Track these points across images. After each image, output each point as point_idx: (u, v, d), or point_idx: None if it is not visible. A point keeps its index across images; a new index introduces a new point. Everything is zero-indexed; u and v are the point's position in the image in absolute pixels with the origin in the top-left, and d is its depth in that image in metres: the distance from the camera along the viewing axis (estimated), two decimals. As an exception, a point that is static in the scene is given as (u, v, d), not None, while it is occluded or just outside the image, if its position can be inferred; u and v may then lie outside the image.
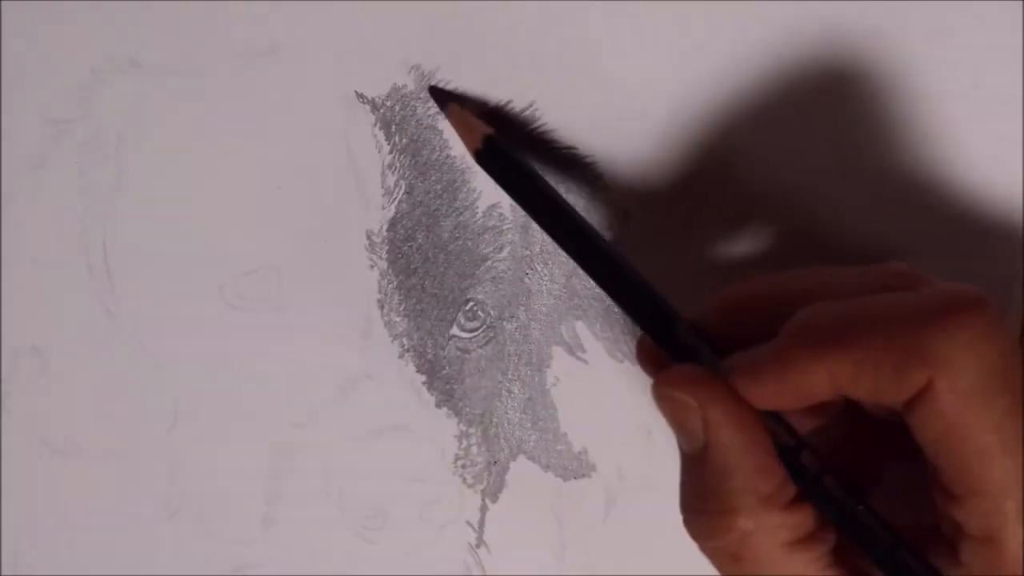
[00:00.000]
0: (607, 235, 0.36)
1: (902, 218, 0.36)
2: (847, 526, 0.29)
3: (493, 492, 0.38)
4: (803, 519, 0.28)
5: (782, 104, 0.36)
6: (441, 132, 0.36)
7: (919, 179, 0.36)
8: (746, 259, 0.36)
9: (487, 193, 0.36)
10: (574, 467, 0.38)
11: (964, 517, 0.27)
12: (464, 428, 0.38)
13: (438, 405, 0.37)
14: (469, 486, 0.38)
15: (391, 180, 0.36)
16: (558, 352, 0.38)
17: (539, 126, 0.36)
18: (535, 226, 0.36)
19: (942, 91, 0.35)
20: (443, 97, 0.35)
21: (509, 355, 0.37)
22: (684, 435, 0.29)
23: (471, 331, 0.37)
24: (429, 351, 0.37)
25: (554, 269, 0.37)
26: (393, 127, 0.36)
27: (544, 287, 0.37)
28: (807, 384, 0.27)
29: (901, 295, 0.28)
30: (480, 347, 0.37)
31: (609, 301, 0.37)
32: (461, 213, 0.36)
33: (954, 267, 0.36)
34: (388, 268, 0.37)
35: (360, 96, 0.36)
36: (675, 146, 0.36)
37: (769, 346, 0.28)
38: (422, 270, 0.37)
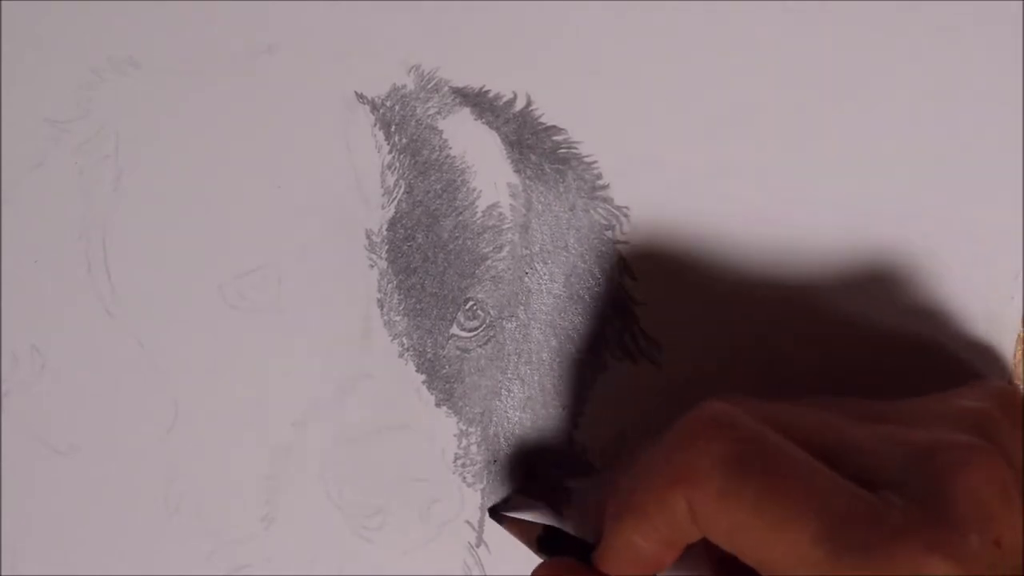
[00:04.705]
0: (607, 234, 0.37)
1: (900, 218, 0.36)
2: None
3: (493, 491, 0.38)
4: None
5: (782, 104, 0.36)
6: (441, 132, 0.36)
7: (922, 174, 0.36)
8: (746, 258, 0.36)
9: (487, 193, 0.36)
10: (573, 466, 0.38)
11: None
12: (464, 427, 0.38)
13: (438, 404, 0.37)
14: (469, 485, 0.38)
15: (391, 180, 0.36)
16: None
17: (539, 125, 0.36)
18: (535, 225, 0.36)
19: (941, 90, 0.35)
20: (498, 516, 0.38)
21: (509, 354, 0.37)
22: None
23: (471, 330, 0.37)
24: (429, 350, 0.37)
25: (553, 268, 0.37)
26: (393, 127, 0.36)
27: (544, 286, 0.37)
28: (633, 551, 0.29)
29: (661, 440, 0.30)
30: (480, 346, 0.37)
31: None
32: (461, 213, 0.37)
33: (954, 271, 0.36)
34: (388, 267, 0.37)
35: (360, 96, 0.36)
36: (675, 145, 0.36)
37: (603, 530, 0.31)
38: (422, 269, 0.37)
